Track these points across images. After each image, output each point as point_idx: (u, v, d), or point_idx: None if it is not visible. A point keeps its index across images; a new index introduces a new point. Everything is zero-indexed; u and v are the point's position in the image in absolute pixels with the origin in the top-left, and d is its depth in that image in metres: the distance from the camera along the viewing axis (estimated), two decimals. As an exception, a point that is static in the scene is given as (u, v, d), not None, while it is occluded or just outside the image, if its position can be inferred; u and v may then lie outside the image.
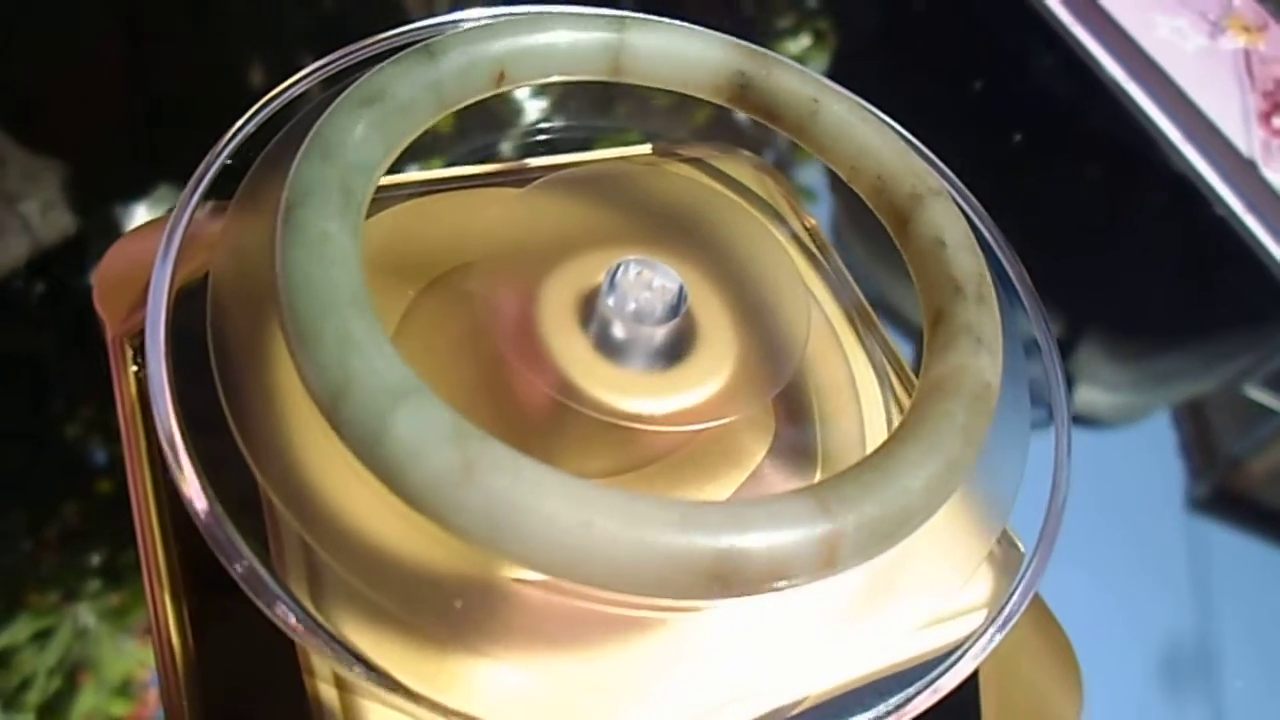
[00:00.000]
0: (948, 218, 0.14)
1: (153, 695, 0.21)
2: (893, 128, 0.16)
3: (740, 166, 0.19)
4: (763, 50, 0.16)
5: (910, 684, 0.13)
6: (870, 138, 0.15)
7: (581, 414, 0.13)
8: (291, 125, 0.14)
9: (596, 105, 0.20)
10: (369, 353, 0.10)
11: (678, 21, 0.16)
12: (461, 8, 0.17)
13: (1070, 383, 0.16)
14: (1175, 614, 0.26)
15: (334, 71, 0.15)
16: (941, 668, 0.12)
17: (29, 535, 0.23)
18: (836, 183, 0.16)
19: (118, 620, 0.22)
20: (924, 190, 0.14)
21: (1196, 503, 0.29)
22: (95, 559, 0.22)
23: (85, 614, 0.22)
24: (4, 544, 0.22)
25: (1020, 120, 0.37)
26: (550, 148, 0.19)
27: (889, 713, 0.12)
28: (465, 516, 0.09)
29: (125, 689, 0.21)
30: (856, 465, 0.11)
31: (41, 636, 0.21)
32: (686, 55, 0.15)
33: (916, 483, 0.11)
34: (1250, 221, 0.36)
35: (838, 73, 0.38)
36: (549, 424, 0.13)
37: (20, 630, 0.21)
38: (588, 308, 0.13)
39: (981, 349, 0.12)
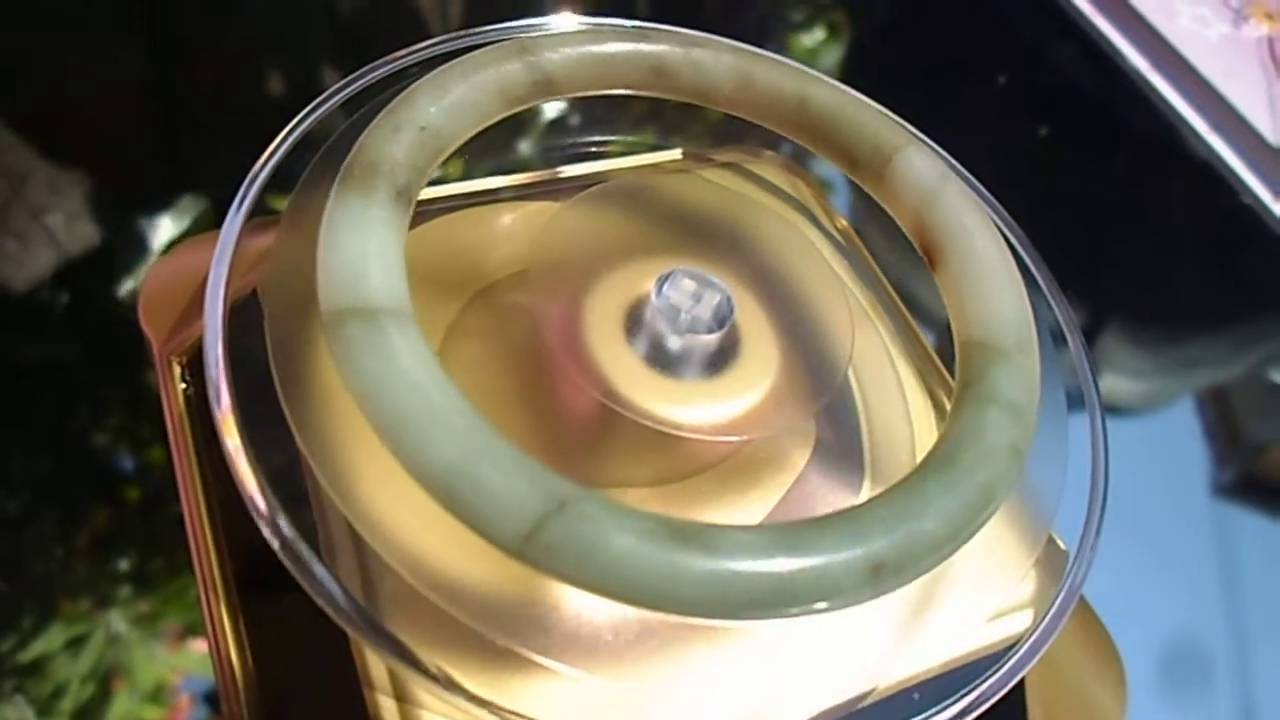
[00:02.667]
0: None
1: (185, 700, 0.21)
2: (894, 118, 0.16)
3: (771, 169, 0.19)
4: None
5: (955, 689, 0.13)
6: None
7: (627, 423, 0.13)
8: (330, 143, 0.14)
9: (611, 107, 0.20)
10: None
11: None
12: (477, 18, 0.17)
13: (1095, 370, 0.16)
14: (1202, 601, 0.26)
15: (365, 85, 0.15)
16: (989, 678, 0.12)
17: (60, 543, 0.23)
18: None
19: (149, 626, 0.22)
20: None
21: (1222, 489, 0.29)
22: (125, 565, 0.23)
23: (117, 621, 0.22)
24: (36, 552, 0.22)
25: (1044, 113, 0.37)
26: (573, 153, 0.19)
27: None
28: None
29: (157, 695, 0.21)
30: (896, 487, 0.11)
31: (74, 644, 0.22)
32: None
33: (953, 505, 0.11)
34: (1278, 209, 0.35)
35: (853, 68, 0.38)
36: (595, 434, 0.13)
37: (54, 638, 0.22)
38: (634, 318, 0.13)
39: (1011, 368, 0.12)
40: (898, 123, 0.15)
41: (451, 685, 0.11)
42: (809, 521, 0.10)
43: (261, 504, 0.11)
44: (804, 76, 0.15)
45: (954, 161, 0.17)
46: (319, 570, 0.11)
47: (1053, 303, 0.16)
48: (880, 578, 0.10)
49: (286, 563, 0.11)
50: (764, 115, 0.15)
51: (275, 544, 0.11)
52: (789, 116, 0.15)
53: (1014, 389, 0.12)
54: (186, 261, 0.16)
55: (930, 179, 0.14)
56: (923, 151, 0.14)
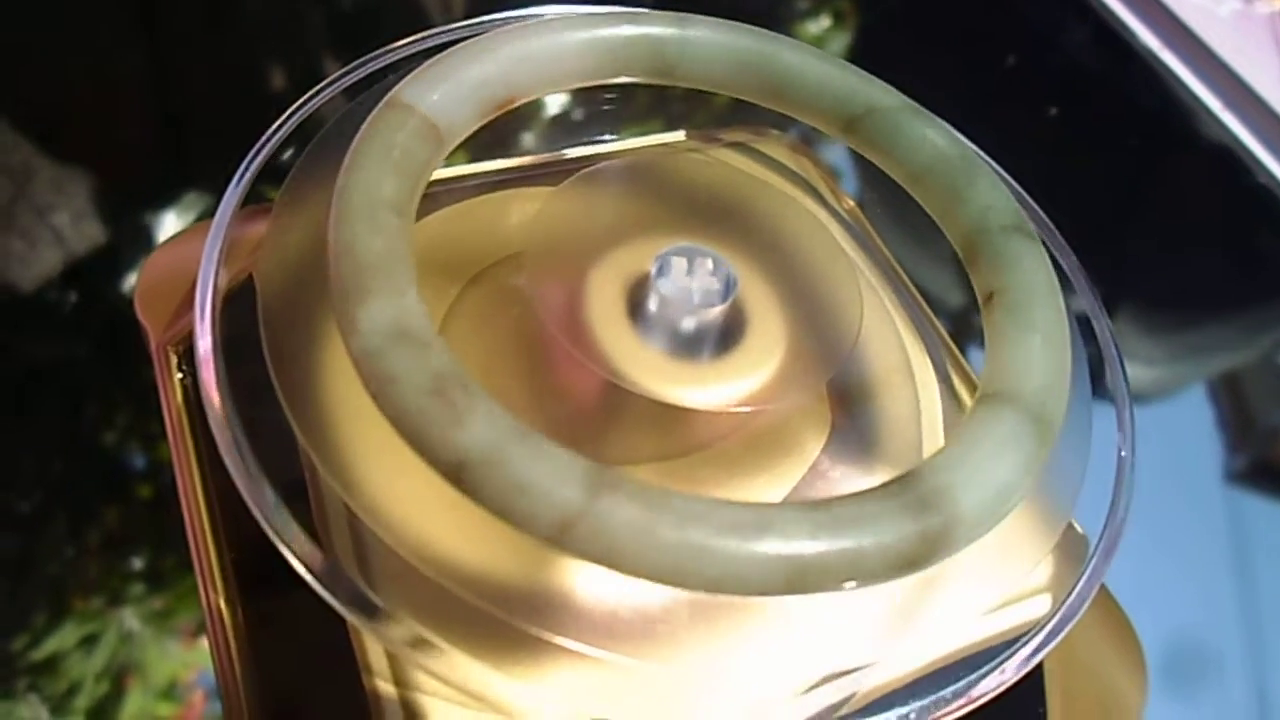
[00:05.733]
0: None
1: (198, 697, 0.21)
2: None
3: (777, 149, 0.18)
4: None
5: (966, 675, 0.12)
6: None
7: (629, 399, 0.13)
8: (328, 127, 0.14)
9: (619, 92, 0.19)
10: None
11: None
12: (482, 9, 0.17)
13: (1122, 359, 0.16)
14: (1214, 588, 0.26)
15: (364, 75, 0.15)
16: (1006, 660, 0.12)
17: (72, 541, 0.23)
18: (861, 159, 0.15)
19: (162, 623, 0.22)
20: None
21: (1235, 476, 0.28)
22: (137, 563, 0.23)
23: (130, 618, 0.22)
24: (48, 550, 0.23)
25: (1055, 94, 0.37)
26: (579, 137, 0.19)
27: (949, 711, 0.12)
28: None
29: (171, 691, 0.22)
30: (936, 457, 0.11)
31: (88, 641, 0.22)
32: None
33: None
34: (1294, 188, 0.35)
35: (860, 54, 0.38)
36: (597, 411, 0.13)
37: (67, 636, 0.22)
38: (636, 296, 0.13)
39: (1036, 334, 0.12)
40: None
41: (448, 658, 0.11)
42: (755, 505, 0.10)
43: (255, 493, 0.11)
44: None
45: (975, 150, 0.17)
46: (317, 558, 0.11)
47: (1077, 287, 0.16)
48: (798, 585, 0.10)
49: (288, 556, 0.11)
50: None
51: (270, 533, 0.11)
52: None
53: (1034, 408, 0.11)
54: (183, 251, 0.16)
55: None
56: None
